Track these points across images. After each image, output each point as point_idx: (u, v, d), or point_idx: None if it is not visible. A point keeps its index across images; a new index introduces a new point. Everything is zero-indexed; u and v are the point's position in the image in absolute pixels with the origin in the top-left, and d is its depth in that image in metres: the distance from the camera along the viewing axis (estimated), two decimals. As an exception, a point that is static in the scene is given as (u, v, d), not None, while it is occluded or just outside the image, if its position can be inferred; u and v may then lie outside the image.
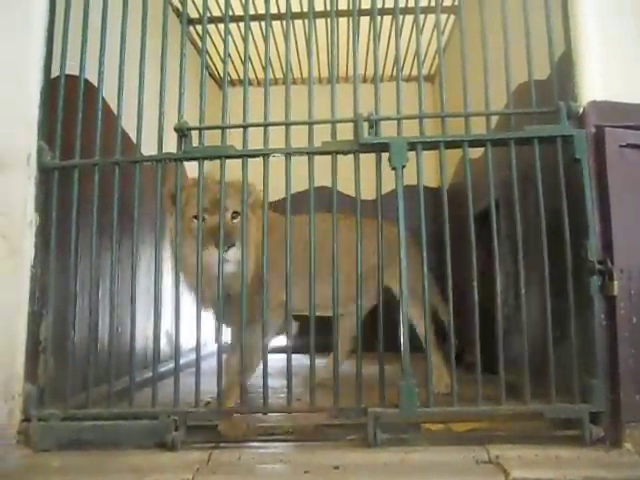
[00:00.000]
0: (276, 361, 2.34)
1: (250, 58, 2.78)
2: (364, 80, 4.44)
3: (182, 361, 2.22)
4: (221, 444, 1.99)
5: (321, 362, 2.68)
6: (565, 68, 2.15)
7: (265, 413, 2.07)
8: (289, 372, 2.07)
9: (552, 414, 1.94)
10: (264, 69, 2.27)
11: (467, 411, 1.99)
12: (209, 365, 2.69)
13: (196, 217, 2.25)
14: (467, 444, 1.91)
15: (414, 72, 2.56)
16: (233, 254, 2.26)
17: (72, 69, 2.26)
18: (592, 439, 1.88)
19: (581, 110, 2.08)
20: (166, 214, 2.47)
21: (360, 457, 1.85)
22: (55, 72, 2.26)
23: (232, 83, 4.72)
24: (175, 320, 2.14)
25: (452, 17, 4.02)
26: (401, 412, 1.93)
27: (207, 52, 4.00)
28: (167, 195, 2.30)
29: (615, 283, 1.94)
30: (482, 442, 1.91)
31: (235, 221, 2.43)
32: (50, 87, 2.24)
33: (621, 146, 2.04)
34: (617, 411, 1.90)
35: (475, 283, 2.05)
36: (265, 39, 2.29)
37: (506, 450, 1.84)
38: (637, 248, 2.00)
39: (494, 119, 2.26)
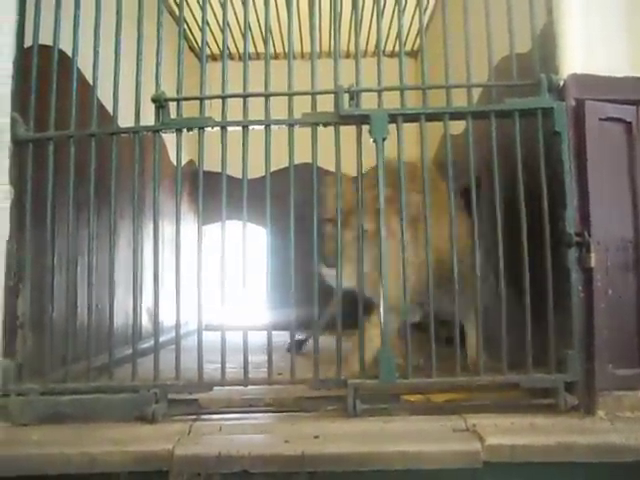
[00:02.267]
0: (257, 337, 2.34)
1: (229, 27, 2.73)
2: (347, 56, 4.41)
3: (163, 338, 2.21)
4: (202, 416, 2.00)
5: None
6: (547, 41, 2.14)
7: (246, 385, 2.08)
8: (269, 346, 2.08)
9: (528, 384, 1.98)
10: (244, 39, 2.22)
11: (445, 382, 2.02)
12: (190, 343, 2.69)
13: None
14: (445, 414, 1.94)
15: (397, 48, 2.53)
16: None
17: (46, 39, 2.20)
18: (567, 407, 1.92)
19: (562, 83, 2.07)
20: None
21: (340, 427, 1.87)
22: (28, 42, 2.19)
23: (212, 57, 4.64)
24: (155, 296, 2.13)
25: (436, -8, 3.97)
26: (380, 383, 1.96)
27: (185, 22, 3.91)
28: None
29: (592, 255, 1.96)
30: (459, 412, 1.95)
31: None
32: (23, 57, 2.18)
33: (601, 119, 2.05)
34: (591, 380, 1.94)
35: (455, 258, 2.06)
36: (244, 7, 2.24)
37: (483, 419, 1.88)
38: (614, 221, 2.03)
39: (476, 95, 2.25)
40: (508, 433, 1.78)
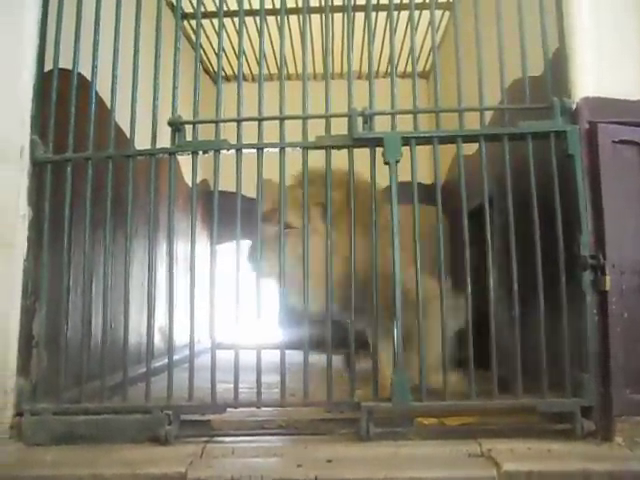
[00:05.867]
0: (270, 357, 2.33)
1: (245, 53, 2.78)
2: (359, 77, 4.45)
3: (176, 357, 2.21)
4: (215, 438, 1.99)
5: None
6: (559, 64, 2.16)
7: (259, 407, 2.07)
8: (282, 367, 2.07)
9: (544, 408, 1.95)
10: (258, 64, 2.27)
11: (460, 405, 2.00)
12: (202, 361, 2.69)
13: None
14: (459, 438, 1.92)
15: (409, 69, 2.55)
16: None
17: (65, 63, 2.25)
18: (583, 433, 1.89)
19: (574, 106, 2.08)
20: None
21: (353, 451, 1.85)
22: (48, 66, 2.24)
23: (227, 79, 4.70)
24: (169, 314, 2.14)
25: (447, 14, 4.02)
26: (394, 406, 1.94)
27: (201, 47, 3.99)
28: None
29: (607, 278, 1.95)
30: (474, 436, 1.92)
31: None
32: (43, 81, 2.23)
33: (614, 142, 2.05)
34: (608, 405, 1.91)
35: (468, 279, 2.06)
36: (259, 34, 2.29)
37: (498, 444, 1.85)
38: (629, 243, 2.01)
39: (488, 117, 2.26)
40: (524, 459, 1.75)
